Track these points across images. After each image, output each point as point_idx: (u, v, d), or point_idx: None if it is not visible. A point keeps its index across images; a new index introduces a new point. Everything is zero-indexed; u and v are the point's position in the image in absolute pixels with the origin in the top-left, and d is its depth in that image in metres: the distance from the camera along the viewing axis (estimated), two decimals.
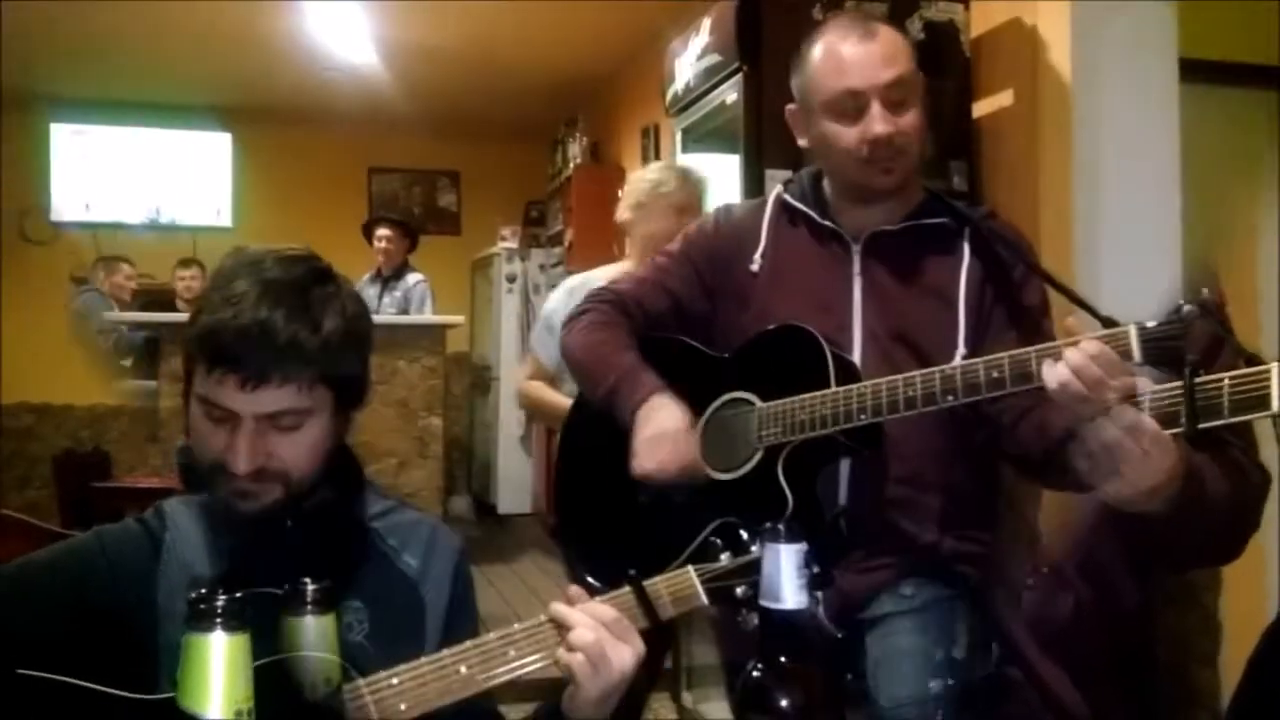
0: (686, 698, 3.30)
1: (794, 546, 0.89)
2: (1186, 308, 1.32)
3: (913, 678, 1.56)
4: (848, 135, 1.64)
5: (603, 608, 1.13)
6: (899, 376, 1.50)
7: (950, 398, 1.46)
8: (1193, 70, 2.98)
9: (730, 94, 3.05)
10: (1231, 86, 3.45)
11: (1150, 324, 1.34)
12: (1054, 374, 1.35)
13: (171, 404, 4.09)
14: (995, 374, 1.43)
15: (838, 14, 2.80)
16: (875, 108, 1.61)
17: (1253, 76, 3.47)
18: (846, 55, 1.63)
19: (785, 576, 0.89)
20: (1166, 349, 1.32)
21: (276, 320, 1.14)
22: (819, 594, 1.57)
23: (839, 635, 1.62)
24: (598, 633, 1.10)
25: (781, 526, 0.90)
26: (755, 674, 0.90)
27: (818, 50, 1.68)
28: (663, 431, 1.64)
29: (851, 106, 1.62)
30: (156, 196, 7.46)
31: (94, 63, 6.55)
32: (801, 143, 1.77)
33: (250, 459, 1.15)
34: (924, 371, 1.49)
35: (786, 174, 2.78)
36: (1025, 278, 1.69)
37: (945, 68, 2.94)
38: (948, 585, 1.65)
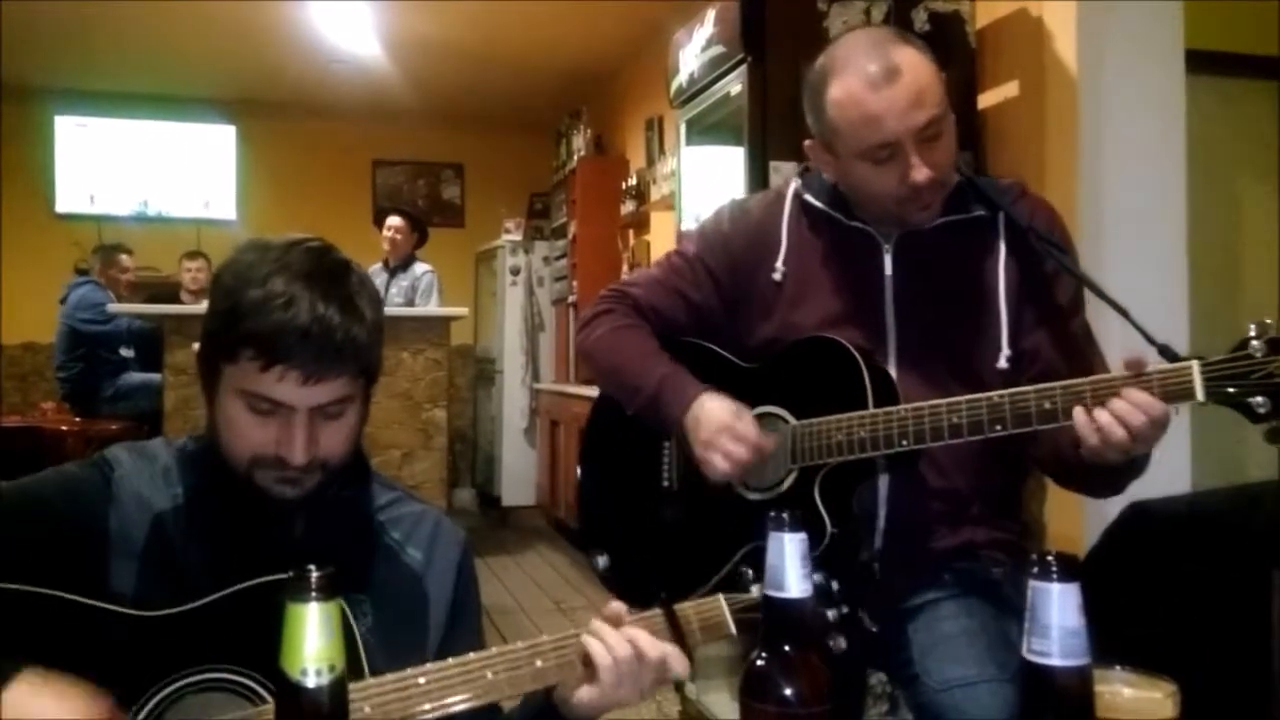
0: (690, 689, 3.30)
1: (797, 535, 0.89)
2: (1254, 342, 1.24)
3: (963, 659, 1.51)
4: (884, 179, 1.56)
5: (643, 636, 1.12)
6: (943, 402, 1.44)
7: (999, 427, 1.40)
8: (1199, 61, 2.97)
9: (735, 85, 3.04)
10: (1237, 78, 3.44)
11: (1215, 359, 1.27)
12: (1096, 423, 1.31)
13: (178, 395, 4.09)
14: (1047, 405, 1.36)
15: (844, 12, 2.79)
16: (914, 157, 1.52)
17: (1259, 68, 3.47)
18: (875, 107, 1.50)
19: (789, 565, 0.88)
20: (1232, 387, 1.25)
21: (333, 316, 1.16)
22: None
23: (874, 629, 1.60)
24: (634, 671, 1.10)
25: (785, 515, 0.89)
26: (759, 663, 0.89)
27: (838, 93, 1.55)
28: (717, 425, 1.57)
29: (886, 155, 1.53)
30: (160, 189, 7.47)
31: (98, 55, 6.55)
32: (826, 175, 1.69)
33: (307, 450, 1.18)
34: (970, 398, 1.43)
35: (791, 166, 2.80)
36: (1058, 271, 1.60)
37: (950, 59, 2.91)
38: (987, 572, 1.62)
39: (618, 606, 1.16)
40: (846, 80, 1.54)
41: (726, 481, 1.60)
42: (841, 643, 1.19)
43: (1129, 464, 1.40)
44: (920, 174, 1.52)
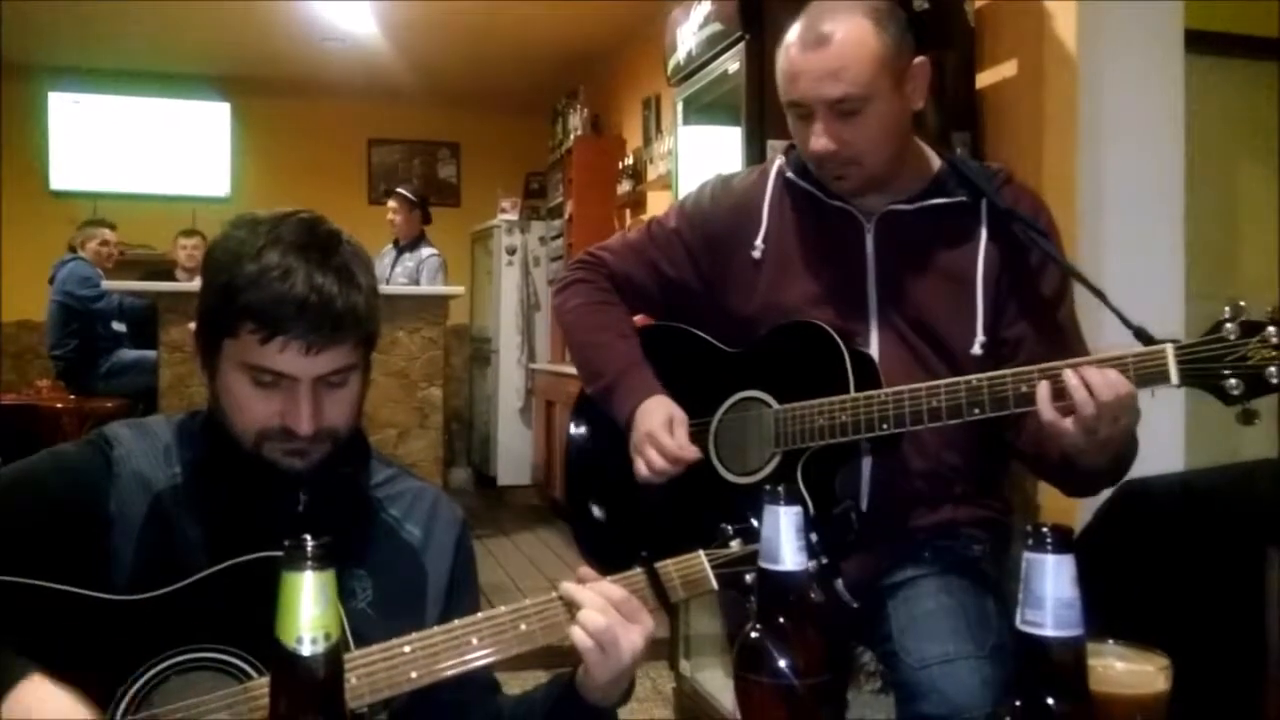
0: (685, 666, 3.32)
1: (792, 508, 0.89)
2: (1228, 324, 1.24)
3: (941, 637, 1.51)
4: (799, 136, 1.60)
5: (613, 588, 1.14)
6: (922, 386, 1.45)
7: (977, 411, 1.41)
8: (1198, 42, 2.96)
9: (732, 63, 3.03)
10: (1236, 58, 3.44)
11: (1189, 342, 1.27)
12: (1064, 395, 1.30)
13: (173, 372, 4.09)
14: (1024, 388, 1.37)
15: None
16: (817, 124, 1.54)
17: (1259, 48, 3.46)
18: (794, 64, 1.54)
19: (784, 538, 0.88)
20: (1206, 371, 1.25)
21: (330, 286, 1.16)
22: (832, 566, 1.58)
23: (855, 605, 1.61)
24: (608, 616, 1.11)
25: (781, 489, 0.90)
26: (753, 635, 0.90)
27: (785, 40, 1.59)
28: (645, 433, 1.61)
29: (800, 113, 1.57)
30: (155, 166, 7.43)
31: (93, 32, 6.51)
32: None
33: (313, 420, 1.18)
34: (949, 381, 1.44)
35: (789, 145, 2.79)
36: (1043, 262, 1.61)
37: (949, 38, 2.91)
38: (967, 549, 1.63)
39: (586, 570, 1.18)
40: (793, 32, 1.57)
41: (645, 483, 1.62)
42: (819, 595, 1.21)
43: (1108, 464, 1.41)
44: (817, 143, 1.55)
